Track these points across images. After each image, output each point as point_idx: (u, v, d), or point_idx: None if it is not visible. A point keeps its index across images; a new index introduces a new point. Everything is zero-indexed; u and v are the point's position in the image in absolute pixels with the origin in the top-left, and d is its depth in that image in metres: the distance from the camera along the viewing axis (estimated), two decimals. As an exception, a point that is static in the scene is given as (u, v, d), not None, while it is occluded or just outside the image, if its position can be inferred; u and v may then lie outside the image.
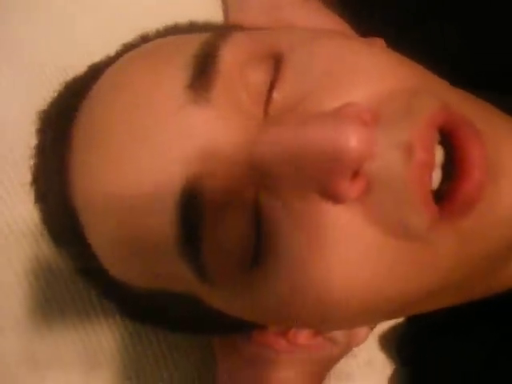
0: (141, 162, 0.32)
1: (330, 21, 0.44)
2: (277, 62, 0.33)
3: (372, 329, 0.44)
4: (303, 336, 0.41)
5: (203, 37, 0.34)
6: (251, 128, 0.32)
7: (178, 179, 0.31)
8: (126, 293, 0.38)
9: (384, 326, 0.48)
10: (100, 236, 0.36)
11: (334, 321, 0.36)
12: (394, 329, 0.48)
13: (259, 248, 0.32)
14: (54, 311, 0.44)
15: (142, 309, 0.40)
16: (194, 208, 0.31)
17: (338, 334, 0.41)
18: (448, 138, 0.32)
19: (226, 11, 0.47)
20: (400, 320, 0.48)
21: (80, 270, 0.41)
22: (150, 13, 0.44)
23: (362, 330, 0.40)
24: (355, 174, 0.31)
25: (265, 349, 0.42)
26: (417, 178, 0.30)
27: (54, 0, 0.46)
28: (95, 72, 0.38)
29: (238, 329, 0.41)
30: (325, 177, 0.30)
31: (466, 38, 0.43)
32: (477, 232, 0.32)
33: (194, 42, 0.34)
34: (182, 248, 0.32)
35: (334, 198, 0.31)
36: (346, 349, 0.43)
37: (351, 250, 0.32)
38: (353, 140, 0.29)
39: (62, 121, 0.37)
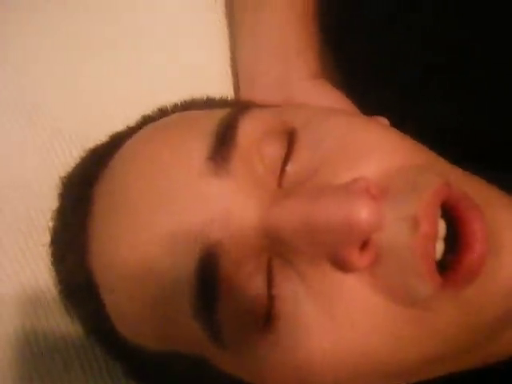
0: (157, 229, 0.34)
1: (338, 99, 0.47)
2: (290, 137, 0.36)
3: None
4: None
5: (223, 112, 0.37)
6: (266, 200, 0.34)
7: (196, 248, 0.33)
8: (136, 354, 0.39)
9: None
10: (115, 298, 0.37)
11: None
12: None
13: (270, 313, 0.34)
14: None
15: (151, 370, 0.40)
16: (210, 275, 0.33)
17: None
18: (450, 212, 0.34)
19: (236, 89, 0.50)
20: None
21: (91, 330, 0.42)
22: (168, 88, 0.47)
23: None
24: (365, 245, 0.33)
25: None
26: (422, 248, 0.32)
27: (83, 71, 0.48)
28: (117, 141, 0.41)
29: None
30: (336, 247, 0.32)
31: (463, 116, 0.46)
32: (478, 301, 0.34)
33: (214, 117, 0.36)
34: (198, 312, 0.33)
35: (345, 267, 0.33)
36: None
37: (360, 319, 0.33)
38: (363, 213, 0.31)
39: (83, 187, 0.39)
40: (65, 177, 0.43)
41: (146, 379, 0.43)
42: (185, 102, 0.44)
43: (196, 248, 0.33)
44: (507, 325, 0.38)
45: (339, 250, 0.32)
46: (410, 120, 0.42)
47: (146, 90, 0.48)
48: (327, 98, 0.46)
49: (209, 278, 0.33)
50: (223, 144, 0.34)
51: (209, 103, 0.45)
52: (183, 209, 0.34)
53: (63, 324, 0.45)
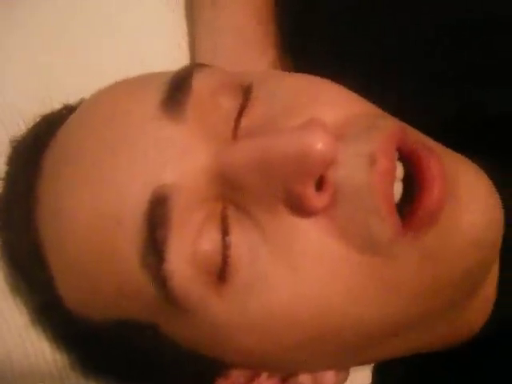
0: (108, 177, 0.33)
1: None
2: (246, 92, 0.35)
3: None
4: None
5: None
6: (221, 143, 0.33)
7: (148, 190, 0.32)
8: (83, 329, 0.37)
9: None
10: (63, 256, 0.35)
11: (296, 349, 0.35)
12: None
13: (226, 263, 0.32)
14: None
15: (99, 347, 0.38)
16: (161, 214, 0.32)
17: (304, 382, 0.39)
18: (407, 158, 0.33)
19: None
20: (367, 382, 0.46)
21: (38, 306, 0.40)
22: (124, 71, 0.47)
23: (327, 374, 0.39)
24: (321, 185, 0.32)
25: None
26: (380, 185, 0.31)
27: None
28: (71, 107, 0.40)
29: (199, 378, 0.39)
30: (291, 182, 0.31)
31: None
32: (441, 249, 0.33)
33: (171, 72, 0.36)
34: (147, 256, 0.32)
35: (301, 207, 0.32)
36: None
37: (318, 268, 0.32)
38: (319, 143, 0.30)
39: (34, 148, 0.38)
40: (15, 141, 0.41)
41: (95, 362, 0.41)
42: None
43: (147, 190, 0.32)
44: (477, 286, 0.37)
45: (295, 185, 0.31)
46: None
47: (102, 74, 0.47)
48: None
49: (159, 218, 0.32)
50: (178, 90, 0.34)
51: None
52: (135, 153, 0.33)
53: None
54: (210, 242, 0.32)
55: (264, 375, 0.39)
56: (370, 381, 0.46)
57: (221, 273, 0.32)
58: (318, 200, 0.32)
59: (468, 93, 0.44)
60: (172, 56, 0.52)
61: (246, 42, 0.50)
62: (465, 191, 0.33)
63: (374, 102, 0.38)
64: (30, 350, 0.40)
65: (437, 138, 0.37)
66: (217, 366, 0.38)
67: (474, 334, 0.40)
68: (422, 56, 0.45)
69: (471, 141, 0.41)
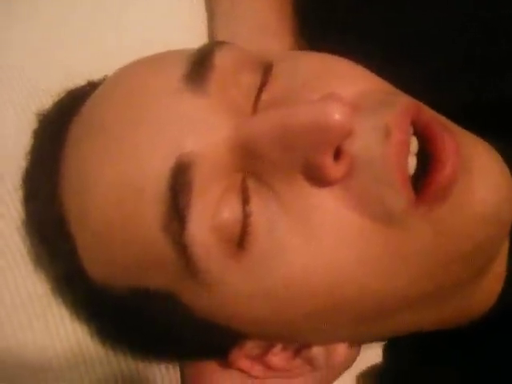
0: (130, 149, 0.34)
1: None
2: (266, 69, 0.36)
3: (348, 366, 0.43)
4: (280, 357, 0.40)
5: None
6: (241, 116, 0.34)
7: (170, 159, 0.33)
8: (105, 297, 0.38)
9: (362, 365, 0.47)
10: (86, 227, 0.36)
11: (311, 318, 0.36)
12: (372, 369, 0.47)
13: (245, 232, 0.33)
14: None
15: (120, 313, 0.39)
16: (183, 181, 0.33)
17: (317, 354, 0.40)
18: (421, 133, 0.34)
19: None
20: (378, 360, 0.47)
21: (62, 278, 0.41)
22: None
23: (339, 347, 0.40)
24: (338, 156, 0.33)
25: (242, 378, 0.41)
26: (395, 156, 0.32)
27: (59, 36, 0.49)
28: (96, 82, 0.41)
29: (214, 348, 0.40)
30: (310, 151, 0.32)
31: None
32: (453, 224, 0.34)
33: (191, 49, 0.37)
34: (169, 223, 0.33)
35: (320, 176, 0.33)
36: (328, 376, 0.42)
37: (332, 237, 0.33)
38: (336, 114, 0.31)
39: (59, 122, 0.39)
40: (41, 115, 0.43)
41: (116, 332, 0.42)
42: None
43: (170, 158, 0.33)
44: (487, 263, 0.37)
45: (314, 154, 0.32)
46: None
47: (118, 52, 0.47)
48: None
49: (181, 186, 0.33)
50: (200, 65, 0.35)
51: None
52: (156, 125, 0.34)
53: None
54: (230, 211, 0.33)
55: (278, 347, 0.40)
56: (381, 359, 0.47)
57: (240, 241, 0.33)
58: (335, 169, 0.33)
59: (485, 79, 0.45)
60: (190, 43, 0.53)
61: (263, 30, 0.51)
62: (478, 168, 0.34)
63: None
64: (50, 319, 0.42)
65: (452, 120, 0.38)
66: (232, 337, 0.39)
67: (484, 312, 0.41)
68: (442, 43, 0.46)
69: (488, 124, 0.42)
